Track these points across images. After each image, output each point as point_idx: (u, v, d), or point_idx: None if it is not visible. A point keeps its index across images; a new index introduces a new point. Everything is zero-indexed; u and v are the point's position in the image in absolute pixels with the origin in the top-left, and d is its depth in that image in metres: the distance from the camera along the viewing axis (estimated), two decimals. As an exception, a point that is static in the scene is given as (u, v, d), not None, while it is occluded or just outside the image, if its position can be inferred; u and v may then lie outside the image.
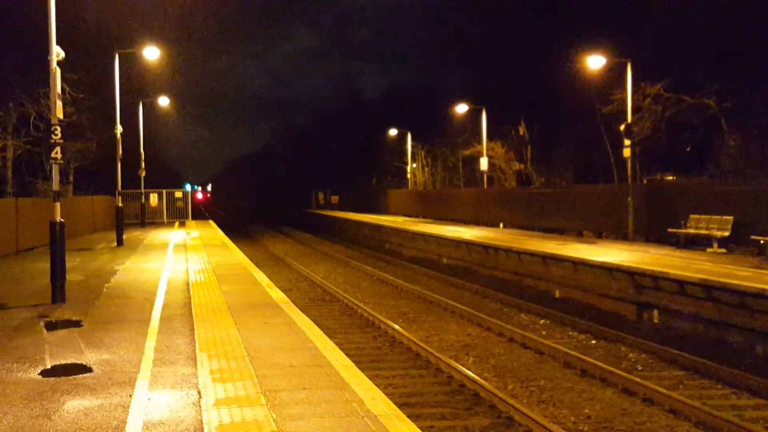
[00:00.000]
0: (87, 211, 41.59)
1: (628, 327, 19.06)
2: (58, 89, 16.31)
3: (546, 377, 14.55)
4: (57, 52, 16.28)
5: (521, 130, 55.31)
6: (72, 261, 23.00)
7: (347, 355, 10.80)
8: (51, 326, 13.17)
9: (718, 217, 25.13)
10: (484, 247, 30.58)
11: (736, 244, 24.50)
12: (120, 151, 33.22)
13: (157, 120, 58.69)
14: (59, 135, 16.00)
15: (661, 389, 12.92)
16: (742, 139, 37.16)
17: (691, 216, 26.39)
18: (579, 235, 34.17)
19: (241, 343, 11.24)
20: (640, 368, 15.25)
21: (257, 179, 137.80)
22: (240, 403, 8.15)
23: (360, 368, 9.99)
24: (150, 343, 11.43)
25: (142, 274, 21.09)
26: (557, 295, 24.27)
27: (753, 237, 23.15)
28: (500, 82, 56.99)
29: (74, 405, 8.34)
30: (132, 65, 41.97)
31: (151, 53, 34.26)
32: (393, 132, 70.18)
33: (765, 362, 15.17)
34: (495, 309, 22.46)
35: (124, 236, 33.17)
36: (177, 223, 50.80)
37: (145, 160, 46.55)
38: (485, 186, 51.03)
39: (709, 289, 17.65)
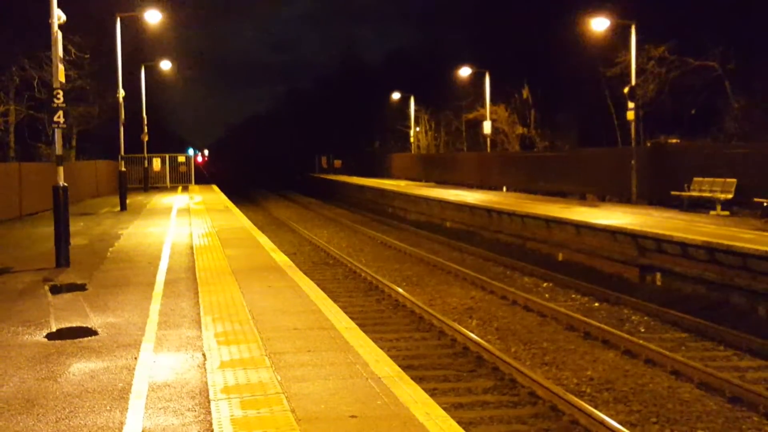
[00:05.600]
0: (90, 176, 41.62)
1: (630, 289, 19.10)
2: (60, 53, 16.25)
3: (549, 340, 14.62)
4: (58, 16, 16.18)
5: (524, 94, 55.04)
6: (76, 225, 23.04)
7: (351, 318, 10.85)
8: (56, 290, 13.22)
9: (722, 179, 25.09)
10: (488, 211, 30.58)
11: (739, 206, 24.49)
12: (123, 116, 33.16)
13: (159, 84, 58.46)
14: (61, 99, 15.96)
15: (663, 351, 12.98)
16: (746, 101, 36.98)
17: (695, 179, 26.37)
18: (582, 199, 34.16)
19: (246, 306, 11.28)
20: (642, 330, 15.31)
21: (260, 143, 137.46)
22: (245, 366, 8.20)
23: (364, 331, 10.03)
24: (155, 307, 11.48)
25: (146, 238, 21.13)
26: (560, 258, 24.30)
27: (756, 200, 23.13)
28: (503, 45, 56.63)
29: (80, 367, 8.40)
30: (134, 29, 41.74)
31: (153, 17, 34.09)
32: (396, 96, 69.87)
33: (767, 324, 15.22)
34: (498, 272, 22.50)
35: (128, 201, 33.20)
36: (180, 188, 50.84)
37: (147, 125, 46.53)
38: (488, 150, 50.92)
39: (712, 252, 17.66)
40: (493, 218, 29.95)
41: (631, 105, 31.59)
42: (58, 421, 6.75)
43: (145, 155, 49.26)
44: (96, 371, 8.24)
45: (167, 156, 55.13)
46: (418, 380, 10.66)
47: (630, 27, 31.88)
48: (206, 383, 7.66)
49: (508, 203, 31.46)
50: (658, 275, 19.70)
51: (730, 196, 24.59)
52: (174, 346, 9.22)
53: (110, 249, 18.81)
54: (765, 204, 22.59)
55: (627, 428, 9.76)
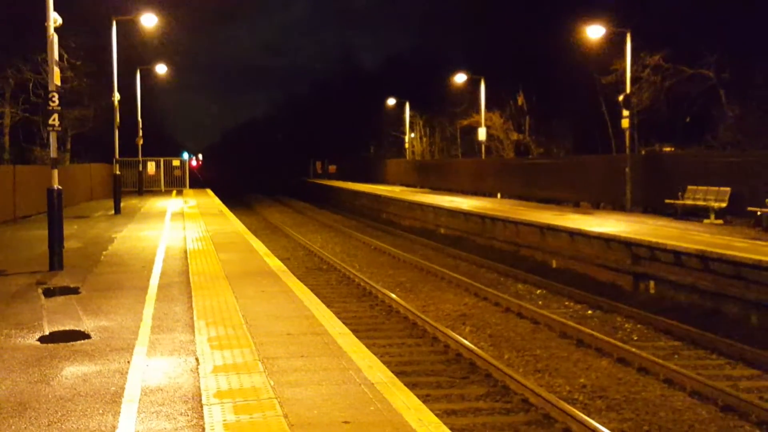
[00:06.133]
0: (84, 179, 41.55)
1: (624, 297, 19.13)
2: (56, 56, 16.24)
3: (542, 347, 14.63)
4: (54, 18, 16.18)
5: (520, 101, 55.13)
6: (69, 228, 23.01)
7: (344, 323, 10.84)
8: (49, 293, 13.20)
9: (716, 188, 25.13)
10: (482, 217, 30.60)
11: (733, 215, 24.53)
12: (118, 119, 33.14)
13: (155, 88, 58.45)
14: (57, 102, 15.95)
15: (656, 359, 13.00)
16: (740, 110, 37.08)
17: (689, 187, 26.40)
18: (576, 206, 34.19)
19: (239, 311, 11.28)
20: (635, 338, 15.33)
21: (255, 148, 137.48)
22: (238, 370, 8.19)
23: (357, 337, 10.03)
24: (148, 311, 11.47)
25: (139, 242, 21.11)
26: (554, 265, 24.32)
27: (750, 208, 23.17)
28: (499, 51, 56.73)
29: (73, 371, 8.38)
30: (130, 33, 41.73)
31: (149, 20, 34.07)
32: (391, 101, 69.92)
33: (760, 333, 15.24)
34: (492, 279, 22.52)
35: (122, 204, 33.14)
36: (175, 192, 50.77)
37: (142, 129, 46.46)
38: (483, 156, 50.97)
39: (705, 260, 17.69)
40: (487, 225, 29.97)
41: (625, 113, 31.63)
42: (50, 425, 6.73)
43: (140, 159, 49.18)
44: (89, 375, 8.22)
45: (162, 160, 55.06)
46: (411, 386, 10.65)
47: (625, 35, 31.93)
48: (199, 388, 7.64)
49: (502, 210, 31.48)
50: (652, 283, 19.71)
51: (723, 204, 24.63)
52: (167, 350, 9.21)
53: (104, 252, 18.78)
54: (759, 213, 22.63)
55: (619, 436, 9.78)
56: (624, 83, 32.56)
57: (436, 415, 7.03)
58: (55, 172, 16.29)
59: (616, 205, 31.43)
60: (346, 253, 28.74)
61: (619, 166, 30.93)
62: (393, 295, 18.76)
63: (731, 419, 10.68)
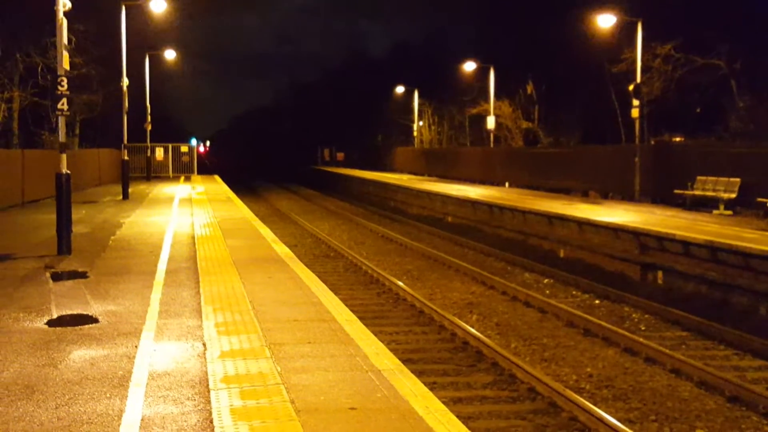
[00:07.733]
0: (93, 164, 41.60)
1: (632, 287, 19.08)
2: (65, 40, 16.25)
3: (549, 336, 14.61)
4: (64, 3, 16.17)
5: (529, 89, 54.95)
6: (78, 213, 23.02)
7: (351, 310, 10.83)
8: (57, 277, 13.22)
9: (725, 178, 25.04)
10: (489, 206, 30.55)
11: (742, 206, 24.44)
12: (126, 104, 33.16)
13: (163, 74, 58.44)
14: (66, 86, 15.95)
15: (663, 349, 12.96)
16: (751, 100, 36.93)
17: (698, 177, 26.31)
18: (585, 196, 34.12)
19: (246, 297, 11.28)
20: (642, 328, 15.30)
21: (263, 135, 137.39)
22: (245, 356, 8.19)
23: (364, 324, 10.01)
24: (155, 296, 11.48)
25: (147, 227, 21.12)
26: (562, 254, 24.28)
27: (760, 199, 23.08)
28: (509, 40, 56.58)
29: (80, 354, 8.39)
30: (140, 18, 41.73)
31: (158, 5, 34.04)
32: (400, 89, 69.79)
33: (768, 324, 15.21)
34: (499, 268, 22.49)
35: (130, 190, 33.20)
36: (182, 178, 50.83)
37: (151, 114, 46.48)
38: (491, 145, 50.88)
39: (714, 251, 17.64)
40: (495, 214, 29.92)
41: (635, 102, 31.56)
42: (58, 408, 6.74)
43: (148, 144, 49.23)
44: (96, 359, 8.23)
45: (170, 146, 55.10)
46: (418, 374, 10.63)
47: (636, 24, 31.81)
48: (206, 373, 7.65)
49: (510, 199, 31.43)
50: (660, 273, 19.67)
51: (733, 195, 24.54)
52: (174, 335, 9.21)
53: (112, 237, 18.80)
54: (768, 204, 22.56)
55: (626, 426, 9.76)
56: (634, 72, 32.45)
57: (443, 402, 7.02)
58: (64, 157, 16.30)
59: (624, 195, 31.35)
60: (354, 240, 28.73)
61: (629, 156, 30.84)
62: (400, 283, 18.75)
63: (738, 410, 10.65)
